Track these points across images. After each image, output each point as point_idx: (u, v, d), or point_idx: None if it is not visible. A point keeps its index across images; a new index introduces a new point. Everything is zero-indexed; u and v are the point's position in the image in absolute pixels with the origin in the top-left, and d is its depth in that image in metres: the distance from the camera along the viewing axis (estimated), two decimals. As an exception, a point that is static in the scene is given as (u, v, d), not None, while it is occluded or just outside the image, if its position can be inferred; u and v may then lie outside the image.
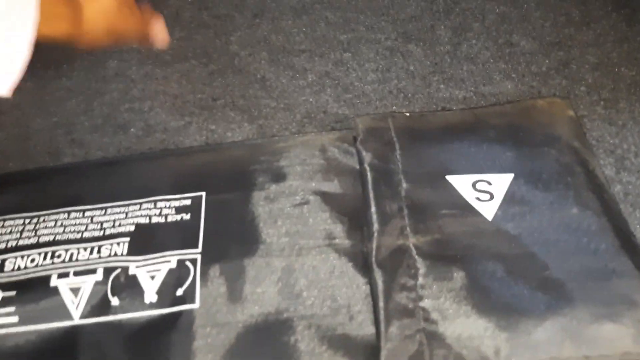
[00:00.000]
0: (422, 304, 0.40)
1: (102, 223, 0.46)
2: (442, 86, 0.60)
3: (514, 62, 0.61)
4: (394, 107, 0.59)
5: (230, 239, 0.44)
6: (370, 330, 0.40)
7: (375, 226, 0.44)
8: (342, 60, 0.64)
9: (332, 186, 0.48)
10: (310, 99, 0.60)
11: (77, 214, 0.46)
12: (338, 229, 0.45)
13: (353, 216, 0.46)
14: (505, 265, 0.41)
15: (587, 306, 0.39)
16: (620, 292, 0.39)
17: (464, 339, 0.38)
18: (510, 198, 0.45)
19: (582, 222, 0.43)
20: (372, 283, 0.41)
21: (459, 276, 0.41)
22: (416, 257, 0.42)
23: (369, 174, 0.47)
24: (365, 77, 0.62)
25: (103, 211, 0.46)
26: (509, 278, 0.40)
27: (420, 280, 0.41)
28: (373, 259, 0.42)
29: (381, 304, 0.40)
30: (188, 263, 0.43)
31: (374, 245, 0.43)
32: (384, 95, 0.60)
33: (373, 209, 0.45)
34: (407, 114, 0.54)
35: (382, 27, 0.67)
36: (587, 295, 0.39)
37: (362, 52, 0.64)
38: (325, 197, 0.47)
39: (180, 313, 0.41)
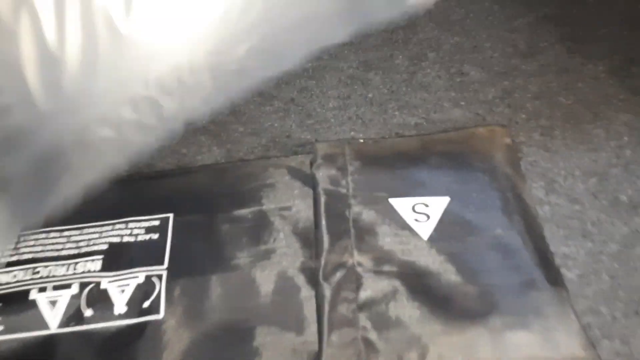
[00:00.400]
0: (361, 314, 0.45)
1: (78, 242, 0.51)
2: (396, 113, 0.65)
3: (464, 90, 0.67)
4: (352, 132, 0.64)
5: (194, 256, 0.50)
6: (315, 338, 0.45)
7: (325, 245, 0.49)
8: (307, 88, 0.69)
9: (290, 208, 0.53)
10: (276, 124, 0.65)
11: (56, 234, 0.51)
12: (293, 248, 0.50)
13: (306, 236, 0.51)
14: (436, 280, 0.46)
15: (503, 316, 0.44)
16: (533, 304, 0.44)
17: (396, 345, 0.43)
18: (444, 219, 0.50)
19: (505, 242, 0.48)
20: (318, 296, 0.47)
21: (394, 290, 0.46)
22: (358, 273, 0.47)
23: (322, 197, 0.53)
24: (327, 104, 0.67)
25: (79, 231, 0.51)
26: (438, 291, 0.46)
27: (361, 293, 0.46)
28: (320, 275, 0.47)
29: (325, 314, 0.45)
30: (154, 278, 0.48)
31: (322, 262, 0.48)
32: (344, 121, 0.65)
33: (324, 230, 0.50)
34: (362, 141, 0.59)
35: (345, 56, 0.73)
36: (505, 306, 0.45)
37: (325, 79, 0.70)
38: (283, 218, 0.52)
39: (146, 323, 0.46)
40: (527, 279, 0.46)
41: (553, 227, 0.53)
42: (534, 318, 0.44)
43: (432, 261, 0.48)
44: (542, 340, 0.43)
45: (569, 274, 0.50)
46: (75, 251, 0.50)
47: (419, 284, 0.46)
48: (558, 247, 0.52)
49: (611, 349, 0.46)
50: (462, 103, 0.66)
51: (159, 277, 0.48)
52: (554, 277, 0.47)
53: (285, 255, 0.49)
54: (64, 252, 0.50)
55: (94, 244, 0.50)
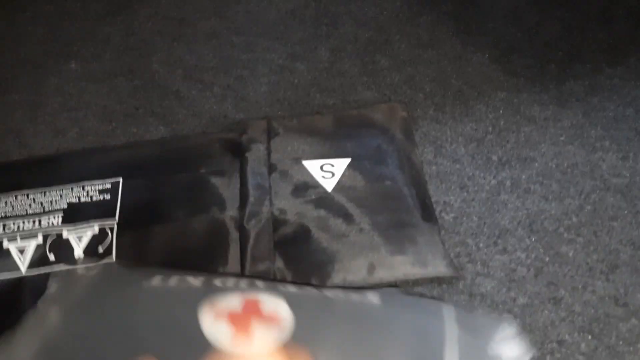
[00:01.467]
0: (276, 249, 0.57)
1: (42, 202, 0.61)
2: (317, 95, 0.77)
3: (374, 76, 0.79)
4: (279, 112, 0.75)
5: (140, 212, 0.60)
6: (237, 269, 0.56)
7: (250, 199, 0.60)
8: (242, 76, 0.80)
9: (222, 172, 0.64)
10: (214, 107, 0.76)
11: (23, 197, 0.61)
12: (224, 202, 0.61)
13: (235, 192, 0.62)
14: (338, 221, 0.58)
15: (388, 245, 0.56)
16: (409, 236, 0.57)
17: (304, 272, 0.55)
18: (345, 175, 0.62)
19: (393, 191, 0.60)
20: (242, 237, 0.58)
21: (304, 230, 0.58)
22: (275, 219, 0.59)
23: (248, 161, 0.64)
24: (259, 89, 0.78)
25: (43, 194, 0.61)
26: (339, 230, 0.57)
27: (276, 235, 0.58)
28: (245, 221, 0.59)
29: (248, 251, 0.57)
30: (107, 229, 0.58)
31: (247, 211, 0.59)
32: (273, 103, 0.76)
33: (249, 186, 0.61)
34: (284, 118, 0.71)
35: (276, 49, 0.84)
36: (389, 239, 0.57)
37: (258, 69, 0.81)
38: (216, 179, 0.63)
39: (101, 265, 0.56)
40: (407, 218, 0.58)
41: (438, 182, 0.66)
42: (410, 246, 0.56)
43: (334, 207, 0.59)
44: (416, 262, 0.55)
45: (447, 217, 0.63)
46: (40, 210, 0.60)
47: (324, 225, 0.58)
48: (440, 197, 0.64)
49: (474, 270, 0.58)
50: (373, 86, 0.78)
51: (111, 228, 0.58)
52: (428, 216, 0.59)
53: (218, 208, 0.60)
54: (30, 211, 0.60)
55: (55, 204, 0.60)
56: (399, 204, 0.59)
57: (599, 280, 0.56)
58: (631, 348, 0.52)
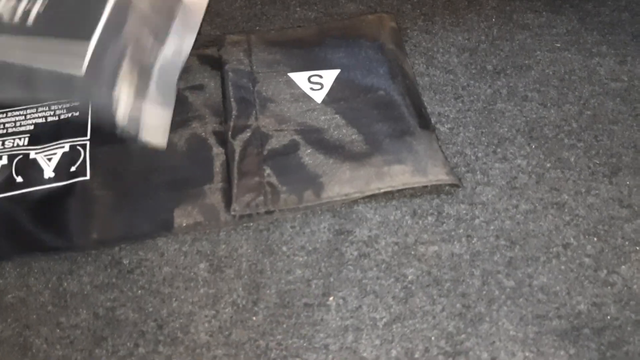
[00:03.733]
0: (265, 164, 0.53)
1: (4, 124, 0.55)
2: (298, 9, 0.72)
3: (358, -13, 0.74)
4: (257, 27, 0.70)
5: (112, 128, 0.55)
6: (224, 185, 0.52)
7: (233, 112, 0.56)
8: (215, -8, 0.74)
9: (201, 87, 0.59)
10: (187, 24, 0.70)
11: (-19, 118, 0.55)
12: (204, 117, 0.57)
13: (216, 107, 0.57)
14: (329, 132, 0.55)
15: (384, 155, 0.53)
16: (407, 144, 0.53)
17: (296, 186, 0.51)
18: (335, 86, 0.58)
19: (386, 100, 0.57)
20: (228, 152, 0.54)
21: (294, 143, 0.54)
22: (262, 132, 0.55)
23: (229, 74, 0.59)
24: (234, 3, 0.72)
25: (4, 114, 0.55)
26: (330, 141, 0.54)
27: (265, 148, 0.54)
28: (230, 135, 0.54)
29: (235, 165, 0.53)
30: (79, 147, 0.53)
31: (231, 125, 0.55)
32: (250, 18, 0.71)
33: (231, 99, 0.57)
34: (264, 31, 0.66)
35: (250, -38, 0.77)
36: (386, 148, 0.53)
37: (232, -17, 0.75)
38: (195, 94, 0.59)
39: (75, 184, 0.52)
40: (403, 126, 0.55)
41: (431, 93, 0.62)
42: (408, 154, 0.53)
43: (325, 118, 0.55)
44: (415, 170, 0.52)
45: (442, 128, 0.59)
46: (2, 131, 0.54)
47: (315, 137, 0.54)
48: (435, 108, 0.61)
49: (473, 179, 0.56)
50: (357, -2, 0.73)
51: (83, 146, 0.54)
52: (425, 124, 0.56)
53: (198, 123, 0.56)
54: (-10, 133, 0.54)
55: (20, 125, 0.55)
56: (394, 113, 0.56)
57: (602, 184, 0.55)
58: (637, 247, 0.50)
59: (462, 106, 0.61)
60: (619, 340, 0.45)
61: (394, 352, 0.46)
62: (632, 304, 0.47)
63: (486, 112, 0.61)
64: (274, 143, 0.54)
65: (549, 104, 0.61)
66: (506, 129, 0.59)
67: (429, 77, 0.64)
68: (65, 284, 0.50)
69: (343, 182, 0.52)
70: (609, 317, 0.46)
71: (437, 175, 0.52)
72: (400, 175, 0.52)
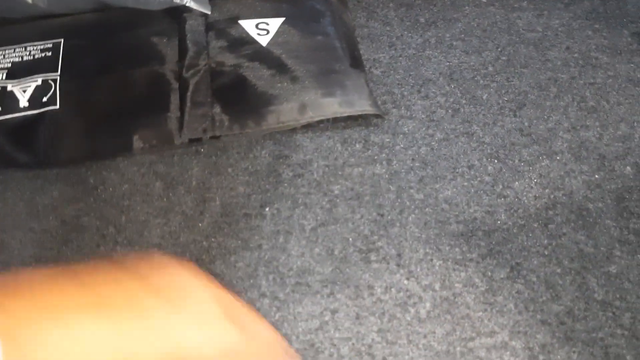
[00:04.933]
0: (213, 97, 0.61)
1: (-16, 62, 0.62)
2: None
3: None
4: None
5: (82, 66, 0.63)
6: (178, 114, 0.60)
7: (189, 53, 0.64)
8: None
9: (161, 32, 0.66)
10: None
11: (-36, 56, 0.62)
12: (163, 57, 0.64)
13: (173, 49, 0.65)
14: (272, 71, 0.62)
15: (318, 89, 0.61)
16: (339, 80, 0.61)
17: (239, 116, 0.59)
18: (280, 32, 0.65)
19: (324, 44, 0.64)
20: (182, 86, 0.61)
21: (240, 79, 0.62)
22: (213, 69, 0.62)
23: (187, 20, 0.66)
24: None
25: (-15, 54, 0.63)
26: (273, 78, 0.62)
27: (214, 83, 0.61)
28: (184, 71, 0.62)
29: (188, 97, 0.60)
30: (50, 81, 0.61)
31: (186, 63, 0.63)
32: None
33: (188, 42, 0.64)
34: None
35: None
36: (319, 84, 0.61)
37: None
38: (156, 38, 0.66)
39: (46, 112, 0.59)
40: (336, 65, 0.62)
41: (368, 42, 0.70)
42: (338, 88, 0.61)
43: (269, 58, 0.63)
44: (343, 102, 0.60)
45: (376, 72, 0.67)
46: (-17, 68, 0.62)
47: (259, 74, 0.62)
48: (370, 55, 0.69)
49: (397, 114, 0.63)
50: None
51: (54, 80, 0.61)
52: (356, 64, 0.64)
53: (157, 62, 0.63)
54: (-27, 69, 0.61)
55: (-1, 63, 0.62)
56: (330, 55, 0.64)
57: (507, 117, 0.63)
58: (530, 167, 0.58)
59: (395, 53, 0.69)
60: (505, 239, 0.54)
61: (317, 250, 0.54)
62: (519, 212, 0.55)
63: (415, 58, 0.68)
64: (222, 79, 0.62)
65: (470, 51, 0.68)
66: (431, 72, 0.67)
67: (368, 29, 0.72)
68: (38, 198, 0.58)
69: (281, 112, 0.60)
70: (499, 222, 0.55)
71: (363, 106, 0.60)
72: (330, 106, 0.60)
